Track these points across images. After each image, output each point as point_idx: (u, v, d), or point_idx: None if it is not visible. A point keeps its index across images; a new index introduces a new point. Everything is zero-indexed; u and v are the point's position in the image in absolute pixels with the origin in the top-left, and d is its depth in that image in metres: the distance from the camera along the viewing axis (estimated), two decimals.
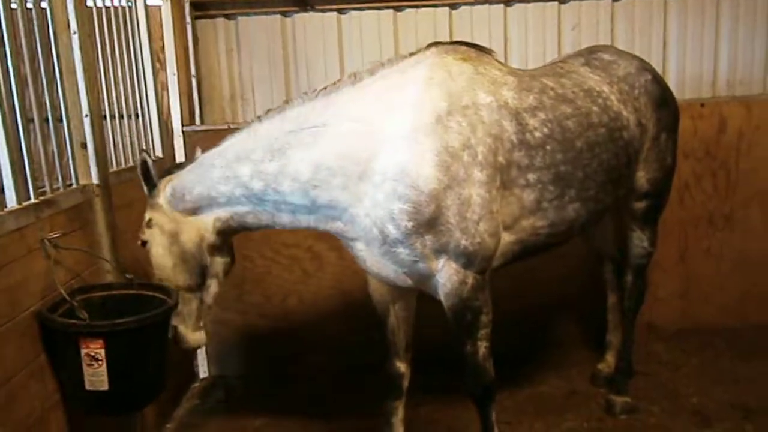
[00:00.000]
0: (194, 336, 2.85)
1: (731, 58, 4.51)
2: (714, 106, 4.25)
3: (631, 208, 3.37)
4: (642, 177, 3.25)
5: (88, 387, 2.35)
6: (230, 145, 2.69)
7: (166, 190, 2.76)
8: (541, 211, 2.72)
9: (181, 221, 2.73)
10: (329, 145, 2.49)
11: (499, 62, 2.86)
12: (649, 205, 3.36)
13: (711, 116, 4.24)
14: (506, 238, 2.66)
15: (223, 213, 2.70)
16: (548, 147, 2.68)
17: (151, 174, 2.80)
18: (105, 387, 2.34)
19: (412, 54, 2.69)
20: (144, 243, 2.81)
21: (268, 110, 2.71)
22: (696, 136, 4.24)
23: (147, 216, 2.81)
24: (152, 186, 2.80)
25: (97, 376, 2.33)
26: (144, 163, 2.79)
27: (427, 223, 2.44)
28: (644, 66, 3.30)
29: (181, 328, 2.80)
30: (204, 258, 2.76)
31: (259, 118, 2.70)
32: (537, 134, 2.66)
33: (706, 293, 4.41)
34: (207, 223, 2.72)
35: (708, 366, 3.97)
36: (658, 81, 3.30)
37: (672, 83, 4.47)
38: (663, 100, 3.25)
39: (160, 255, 2.77)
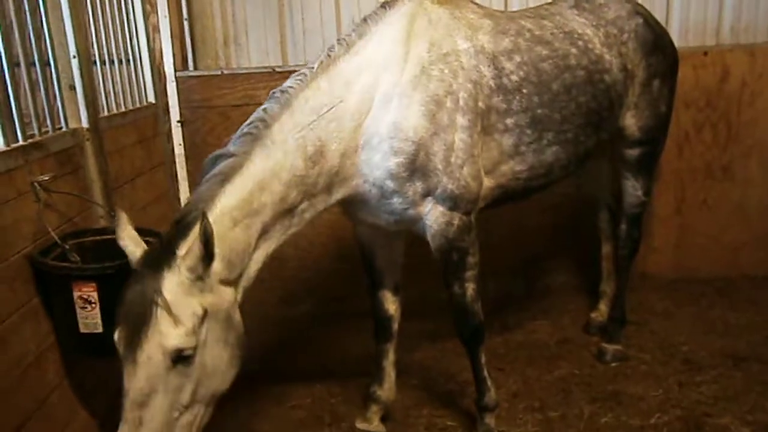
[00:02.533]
0: None
1: (736, 5, 4.39)
2: (717, 54, 4.17)
3: (624, 155, 3.36)
4: (633, 124, 3.22)
5: (82, 330, 2.36)
6: (248, 180, 2.22)
7: (215, 263, 2.06)
8: (519, 155, 2.75)
9: (230, 296, 2.20)
10: (351, 120, 2.43)
11: (475, 4, 2.83)
12: (642, 153, 3.34)
13: (713, 65, 4.17)
14: (487, 182, 2.70)
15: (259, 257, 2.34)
16: (524, 90, 2.70)
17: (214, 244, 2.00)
18: (99, 330, 2.36)
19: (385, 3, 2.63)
20: (185, 356, 1.99)
21: (256, 120, 2.34)
22: (698, 85, 4.18)
23: (196, 309, 2.01)
24: (210, 261, 2.03)
25: (90, 319, 2.34)
26: (206, 228, 1.94)
27: (419, 170, 2.49)
28: (636, 10, 3.24)
29: None
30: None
31: (251, 132, 2.30)
32: (513, 78, 2.68)
33: (701, 244, 4.42)
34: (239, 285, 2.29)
35: (700, 316, 4.01)
36: (651, 26, 3.23)
37: (675, 30, 4.38)
38: (655, 45, 3.19)
39: (216, 357, 2.11)
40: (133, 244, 2.10)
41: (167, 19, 3.91)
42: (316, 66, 2.44)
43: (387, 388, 3.11)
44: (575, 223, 4.23)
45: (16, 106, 2.44)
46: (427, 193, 2.53)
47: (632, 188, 3.43)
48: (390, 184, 2.48)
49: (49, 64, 2.78)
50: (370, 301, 3.05)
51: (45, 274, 2.39)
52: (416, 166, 2.47)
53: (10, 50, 2.42)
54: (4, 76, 2.39)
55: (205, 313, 2.04)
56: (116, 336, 2.02)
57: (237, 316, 2.23)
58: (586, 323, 3.92)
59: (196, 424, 2.11)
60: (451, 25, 2.61)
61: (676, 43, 4.12)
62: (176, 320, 1.96)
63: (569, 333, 3.91)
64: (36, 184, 2.42)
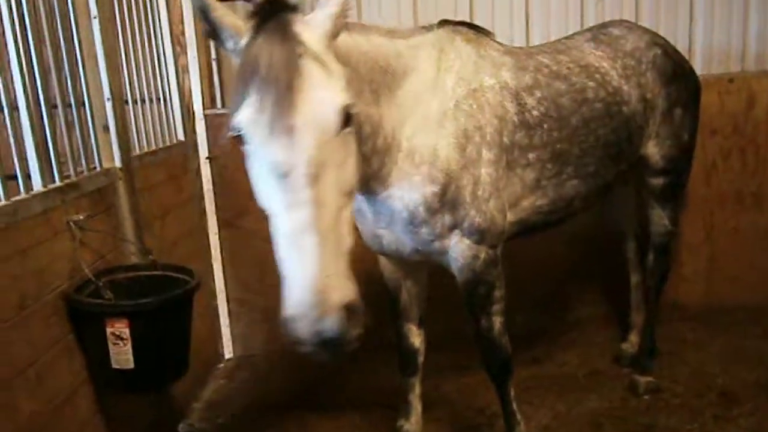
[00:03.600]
0: None
1: (761, 32, 4.36)
2: (743, 81, 4.14)
3: (648, 184, 3.35)
4: (656, 153, 3.22)
5: (114, 365, 2.41)
6: None
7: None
8: (540, 189, 2.77)
9: None
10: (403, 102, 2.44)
11: (496, 42, 2.87)
12: (667, 183, 3.32)
13: (739, 91, 4.14)
14: (509, 217, 2.70)
15: None
16: (545, 125, 2.72)
17: None
18: (130, 366, 2.40)
19: (423, 28, 2.68)
20: (350, 115, 1.71)
21: None
22: (723, 112, 4.15)
23: (338, 67, 1.82)
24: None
25: (122, 355, 2.38)
26: None
27: (449, 203, 2.50)
28: (655, 41, 3.25)
29: None
30: None
31: None
32: (534, 113, 2.71)
33: (732, 272, 4.34)
34: None
35: (733, 345, 3.92)
36: (670, 55, 3.24)
37: (699, 57, 4.37)
38: (674, 74, 3.20)
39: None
40: (231, 17, 1.82)
41: (196, 59, 4.03)
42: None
43: (414, 422, 3.09)
44: (602, 253, 4.19)
45: (53, 147, 2.54)
46: (453, 226, 2.54)
47: (658, 218, 3.40)
48: (421, 212, 2.48)
49: (84, 106, 2.89)
50: (395, 334, 3.05)
51: (79, 310, 2.45)
52: (447, 198, 2.48)
53: (47, 92, 2.52)
54: (42, 117, 2.49)
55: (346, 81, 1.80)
56: (246, 112, 1.62)
57: None
58: (616, 355, 3.86)
59: (351, 225, 1.74)
60: (479, 63, 2.65)
61: (700, 70, 4.14)
62: (330, 74, 1.71)
63: (599, 365, 3.84)
64: (72, 223, 2.50)
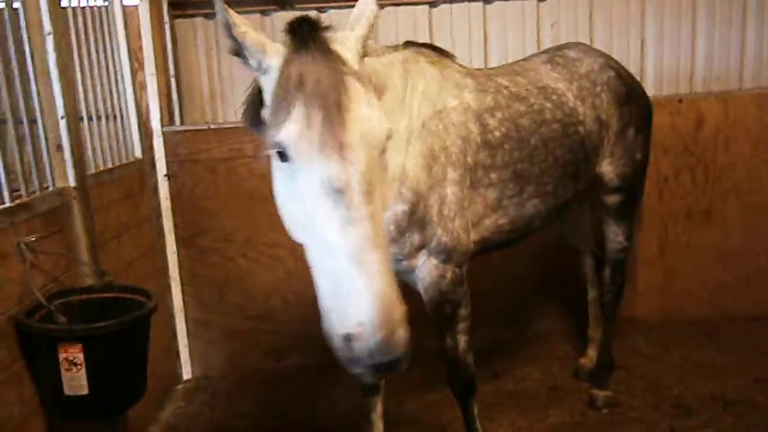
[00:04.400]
0: None
1: (708, 55, 4.57)
2: (691, 102, 4.30)
3: (604, 202, 3.43)
4: (611, 171, 3.30)
5: (67, 392, 2.32)
6: None
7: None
8: (502, 209, 2.81)
9: None
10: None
11: (458, 64, 2.92)
12: (622, 200, 3.41)
13: (688, 112, 4.29)
14: (471, 236, 2.72)
15: None
16: (506, 146, 2.77)
17: None
18: (84, 392, 2.32)
19: (389, 47, 2.69)
20: (389, 137, 1.77)
21: None
22: (674, 131, 4.29)
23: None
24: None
25: (76, 381, 2.30)
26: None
27: (417, 222, 2.52)
28: (609, 64, 3.34)
29: None
30: None
31: None
32: (496, 134, 2.75)
33: (685, 287, 4.47)
34: None
35: (688, 358, 4.02)
36: (623, 78, 3.33)
37: (650, 79, 4.54)
38: (627, 96, 3.29)
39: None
40: (255, 34, 1.80)
41: (154, 76, 3.97)
42: None
43: None
44: (561, 268, 4.27)
45: (3, 165, 2.46)
46: (422, 246, 2.56)
47: (614, 234, 3.48)
48: (392, 231, 2.48)
49: (36, 123, 2.81)
50: None
51: (29, 335, 2.36)
52: (415, 218, 2.50)
53: None
54: None
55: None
56: (292, 128, 1.61)
57: None
58: (575, 369, 3.92)
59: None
60: (442, 84, 2.69)
61: (652, 91, 4.30)
62: (370, 96, 1.73)
63: (559, 380, 3.89)
64: (22, 245, 2.42)
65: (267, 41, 1.80)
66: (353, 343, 1.47)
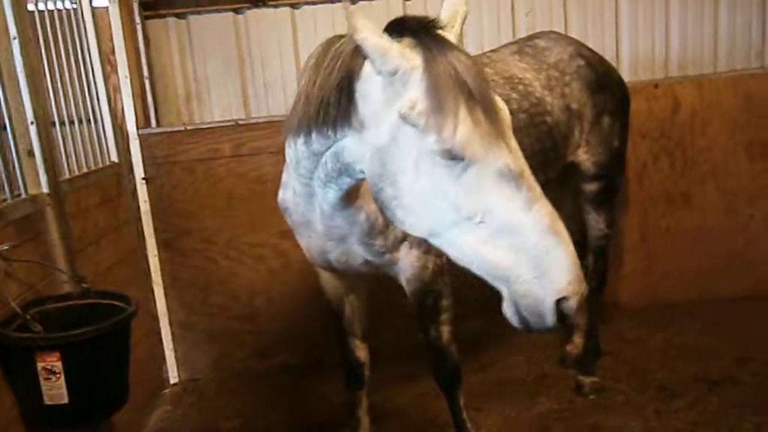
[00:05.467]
0: None
1: (682, 39, 4.59)
2: (667, 86, 4.32)
3: (583, 190, 3.44)
4: (587, 160, 3.31)
5: (46, 401, 2.29)
6: None
7: None
8: None
9: None
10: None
11: None
12: (601, 188, 3.42)
13: (665, 97, 4.32)
14: None
15: None
16: None
17: None
18: (64, 401, 2.29)
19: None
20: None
21: None
22: (651, 116, 4.32)
23: None
24: None
25: (55, 390, 2.27)
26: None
27: None
28: (579, 52, 3.34)
29: None
30: None
31: None
32: None
33: (667, 270, 4.50)
34: None
35: (672, 341, 4.06)
36: (593, 66, 3.33)
37: (626, 65, 4.55)
38: (600, 84, 3.29)
39: None
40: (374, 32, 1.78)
41: (128, 78, 3.92)
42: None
43: None
44: None
45: None
46: (404, 238, 2.55)
47: (594, 221, 3.50)
48: (380, 222, 2.45)
49: (5, 130, 2.76)
50: (340, 349, 3.02)
51: (6, 345, 2.32)
52: None
53: None
54: None
55: None
56: (463, 129, 1.67)
57: None
58: (561, 357, 3.93)
59: None
60: None
61: (628, 76, 4.31)
62: None
63: (545, 368, 3.91)
64: None
65: (387, 43, 1.75)
66: (567, 302, 1.65)
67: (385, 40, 1.76)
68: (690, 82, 4.33)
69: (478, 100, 1.69)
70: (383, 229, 2.49)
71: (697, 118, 4.33)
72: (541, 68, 3.15)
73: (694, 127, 4.34)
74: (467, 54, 1.79)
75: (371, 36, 1.74)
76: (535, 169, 2.91)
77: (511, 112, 2.83)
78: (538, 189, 1.71)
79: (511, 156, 1.71)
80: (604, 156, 3.33)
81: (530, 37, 3.44)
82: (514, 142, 1.77)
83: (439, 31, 1.81)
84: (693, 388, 3.49)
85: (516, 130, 2.84)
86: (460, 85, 1.69)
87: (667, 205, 4.45)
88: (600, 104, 3.28)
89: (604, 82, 3.33)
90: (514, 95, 2.96)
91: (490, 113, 1.71)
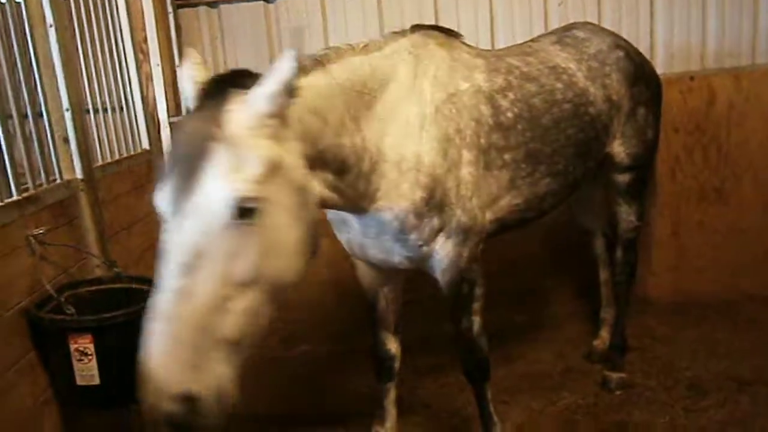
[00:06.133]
0: None
1: (719, 31, 4.46)
2: (703, 78, 4.22)
3: (614, 181, 3.40)
4: (622, 151, 3.27)
5: (78, 382, 2.35)
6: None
7: (294, 115, 1.87)
8: (515, 189, 2.78)
9: (304, 169, 1.96)
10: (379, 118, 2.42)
11: (466, 44, 2.87)
12: (633, 179, 3.37)
13: (700, 89, 4.21)
14: (486, 216, 2.71)
15: None
16: (519, 126, 2.74)
17: None
18: (96, 381, 2.34)
19: (395, 34, 2.65)
20: (248, 209, 1.62)
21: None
22: (686, 109, 4.22)
23: (267, 153, 1.69)
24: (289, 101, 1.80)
25: (87, 371, 2.33)
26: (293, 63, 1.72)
27: (436, 206, 2.50)
28: (617, 43, 3.30)
29: None
30: None
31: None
32: (509, 114, 2.72)
33: (699, 266, 4.41)
34: None
35: (702, 338, 3.98)
36: (632, 58, 3.29)
37: (660, 57, 4.44)
38: (636, 76, 3.25)
39: (283, 229, 1.75)
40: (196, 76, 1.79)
41: (159, 67, 3.97)
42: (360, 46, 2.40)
43: (389, 427, 3.07)
44: (573, 250, 4.23)
45: (9, 159, 2.47)
46: (441, 228, 2.55)
47: (625, 214, 3.45)
48: (411, 219, 2.47)
49: (42, 117, 2.82)
50: (372, 341, 3.03)
51: (41, 327, 2.38)
52: (434, 202, 2.48)
53: (2, 103, 2.45)
54: None
55: (277, 165, 1.69)
56: (160, 193, 1.64)
57: (311, 195, 1.90)
58: (588, 351, 3.89)
59: (249, 316, 1.67)
60: (453, 66, 2.65)
61: (662, 69, 4.22)
62: (241, 161, 1.61)
63: (572, 362, 3.87)
64: (31, 237, 2.44)
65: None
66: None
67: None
68: (727, 75, 4.22)
69: (180, 171, 1.62)
70: (417, 223, 2.49)
71: (733, 111, 4.22)
72: (582, 59, 3.12)
73: (731, 120, 4.23)
74: (211, 124, 1.64)
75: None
76: (578, 159, 2.95)
77: (557, 102, 2.88)
78: (171, 281, 1.57)
79: (173, 236, 1.61)
80: (638, 148, 3.28)
81: (567, 28, 3.39)
82: (190, 229, 1.60)
83: (229, 91, 1.70)
84: (723, 387, 3.42)
85: (560, 120, 2.87)
86: (175, 149, 1.71)
87: (700, 200, 4.35)
88: (636, 96, 3.23)
89: (640, 74, 3.28)
90: (559, 85, 2.93)
91: (183, 189, 1.61)
